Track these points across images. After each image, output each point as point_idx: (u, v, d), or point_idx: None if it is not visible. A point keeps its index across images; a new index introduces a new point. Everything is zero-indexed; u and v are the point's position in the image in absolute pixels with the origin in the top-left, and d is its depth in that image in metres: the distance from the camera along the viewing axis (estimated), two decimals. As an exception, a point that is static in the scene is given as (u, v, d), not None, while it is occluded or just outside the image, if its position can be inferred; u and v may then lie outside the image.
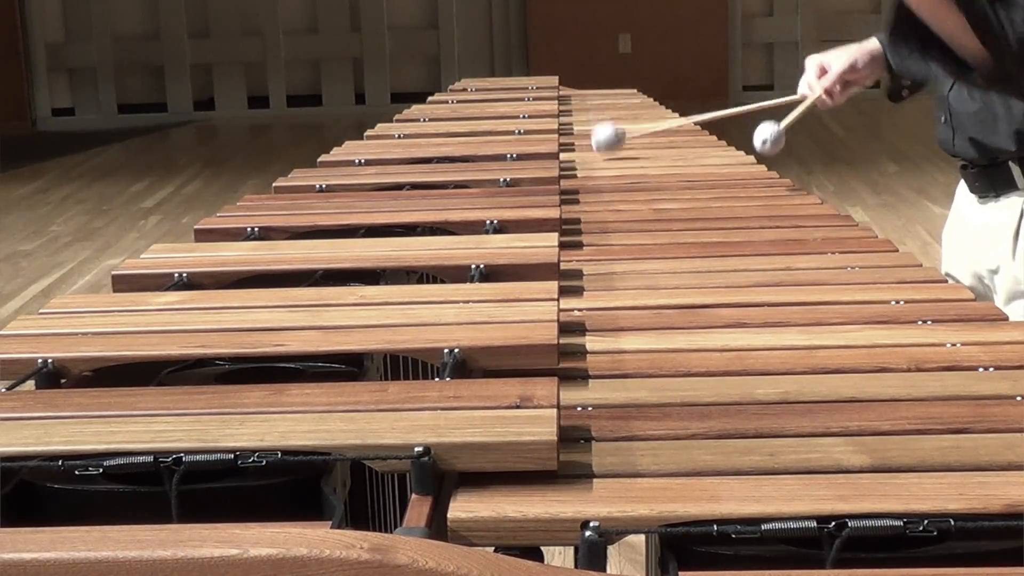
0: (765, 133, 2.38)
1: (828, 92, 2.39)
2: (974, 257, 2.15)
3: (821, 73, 2.39)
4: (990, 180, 2.10)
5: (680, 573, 0.97)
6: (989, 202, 2.12)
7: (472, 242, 1.85)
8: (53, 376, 1.34)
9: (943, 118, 2.13)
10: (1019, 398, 1.27)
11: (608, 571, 1.00)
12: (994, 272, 2.11)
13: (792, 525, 0.99)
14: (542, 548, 1.06)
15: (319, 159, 2.62)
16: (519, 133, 2.89)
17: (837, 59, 2.37)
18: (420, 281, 1.78)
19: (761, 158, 2.50)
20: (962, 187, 2.20)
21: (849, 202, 6.51)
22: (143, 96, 10.66)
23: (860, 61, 2.35)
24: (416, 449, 1.07)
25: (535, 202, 2.11)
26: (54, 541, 0.87)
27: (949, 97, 2.10)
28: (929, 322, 1.54)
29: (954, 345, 1.44)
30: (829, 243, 1.94)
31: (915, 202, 6.61)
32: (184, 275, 1.71)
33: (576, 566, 0.99)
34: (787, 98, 2.48)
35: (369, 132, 3.02)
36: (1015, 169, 2.05)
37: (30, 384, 1.34)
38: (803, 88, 2.43)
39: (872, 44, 2.35)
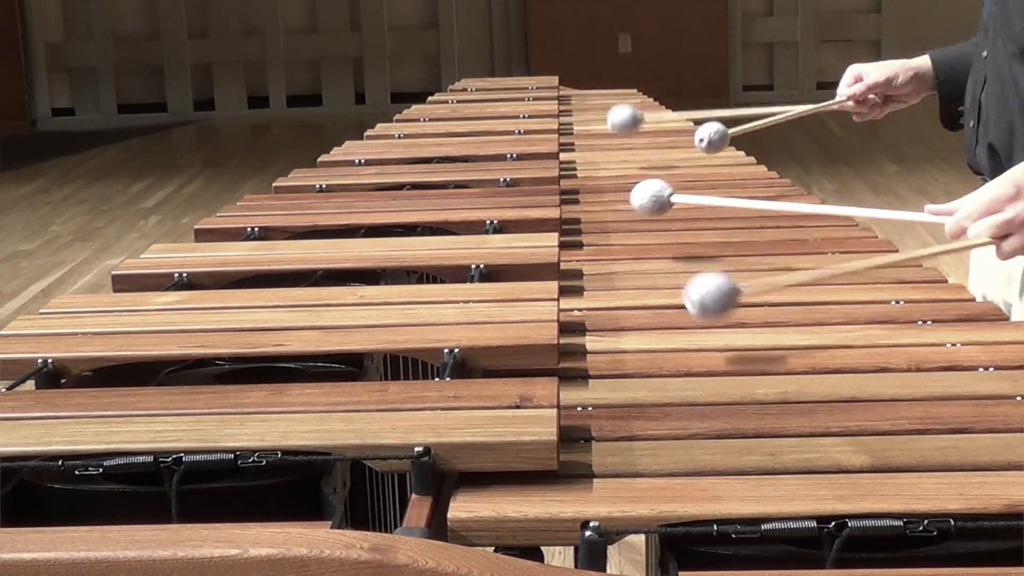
0: (703, 133, 2.35)
1: (859, 102, 2.31)
2: (989, 286, 2.04)
3: (854, 81, 2.31)
4: None
5: (680, 573, 0.97)
6: None
7: (472, 242, 1.85)
8: (53, 376, 1.34)
9: (971, 123, 2.01)
10: (1019, 398, 1.27)
11: (608, 571, 1.00)
12: (1010, 305, 2.00)
13: (792, 525, 0.99)
14: (542, 548, 1.06)
15: (319, 159, 2.61)
16: (519, 133, 2.89)
17: (875, 70, 2.29)
18: (420, 281, 1.78)
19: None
20: None
21: (849, 202, 6.50)
22: (143, 96, 10.65)
23: (901, 77, 2.26)
24: (416, 449, 1.07)
25: (535, 202, 2.11)
26: (54, 541, 0.87)
27: (981, 99, 1.99)
28: (929, 322, 1.54)
29: (954, 345, 1.44)
30: (829, 243, 1.94)
31: (915, 202, 6.61)
32: (184, 275, 1.71)
33: (576, 566, 0.99)
34: (826, 104, 2.42)
35: (369, 132, 3.02)
36: None
37: (30, 384, 1.34)
38: (838, 93, 2.34)
39: (920, 62, 2.25)
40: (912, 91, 2.29)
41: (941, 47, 2.30)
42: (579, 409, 1.26)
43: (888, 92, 2.30)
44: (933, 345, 1.45)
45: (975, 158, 2.01)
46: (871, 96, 2.32)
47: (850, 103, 2.33)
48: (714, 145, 2.37)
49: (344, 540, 0.85)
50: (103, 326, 1.48)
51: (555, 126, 3.02)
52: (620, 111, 2.59)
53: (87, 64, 10.58)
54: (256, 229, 1.97)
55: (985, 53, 1.97)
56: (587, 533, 1.00)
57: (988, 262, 2.04)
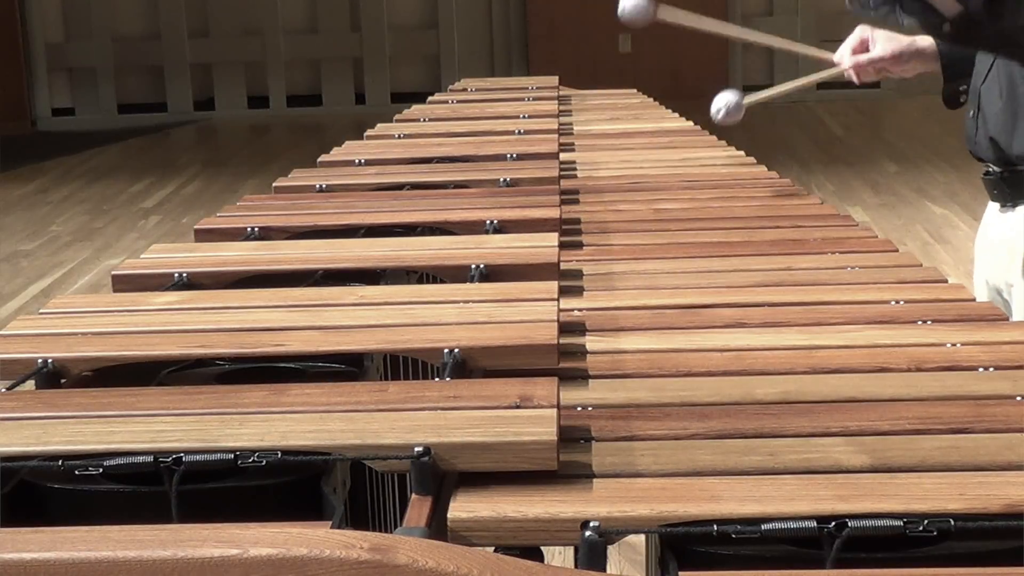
0: (721, 103, 2.33)
1: (857, 70, 2.32)
2: (993, 270, 2.07)
3: (860, 47, 2.31)
4: (1008, 189, 2.03)
5: (680, 573, 0.97)
6: (1008, 212, 2.05)
7: (472, 242, 1.85)
8: (53, 376, 1.34)
9: (971, 112, 2.05)
10: (1019, 398, 1.27)
11: (608, 571, 1.00)
12: (1011, 286, 2.03)
13: (792, 525, 0.99)
14: (542, 548, 1.06)
15: (319, 159, 2.61)
16: (519, 133, 2.89)
17: (883, 43, 2.29)
18: (420, 281, 1.78)
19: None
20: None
21: (849, 202, 6.51)
22: (143, 96, 10.66)
23: (906, 55, 2.27)
24: (416, 449, 1.07)
25: (535, 202, 2.11)
26: (54, 541, 0.87)
27: (980, 90, 2.02)
28: (929, 322, 1.54)
29: (954, 345, 1.44)
30: (829, 243, 1.94)
31: (915, 202, 6.61)
32: (184, 275, 1.71)
33: (576, 566, 0.99)
34: (826, 71, 2.42)
35: (369, 132, 3.02)
36: None
37: (30, 384, 1.34)
38: (839, 54, 2.36)
39: (925, 42, 2.26)
40: (911, 68, 2.30)
41: None
42: (579, 409, 1.26)
43: (889, 67, 2.31)
44: (933, 345, 1.45)
45: (975, 146, 2.05)
46: (871, 68, 2.33)
47: (851, 71, 2.33)
48: (731, 115, 2.34)
49: (344, 540, 0.85)
50: (103, 326, 1.48)
51: (555, 126, 3.03)
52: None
53: (87, 64, 10.59)
54: (256, 229, 1.97)
55: None
56: (587, 533, 1.00)
57: (984, 247, 2.06)
